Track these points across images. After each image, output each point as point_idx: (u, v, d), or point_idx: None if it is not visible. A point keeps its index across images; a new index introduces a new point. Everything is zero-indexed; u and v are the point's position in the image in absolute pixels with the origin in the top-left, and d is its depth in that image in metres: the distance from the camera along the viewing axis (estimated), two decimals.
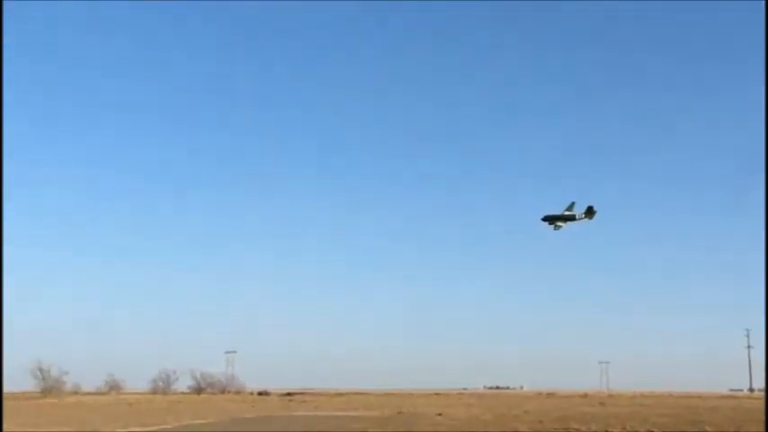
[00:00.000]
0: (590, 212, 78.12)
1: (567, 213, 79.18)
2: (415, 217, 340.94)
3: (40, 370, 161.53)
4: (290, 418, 77.21)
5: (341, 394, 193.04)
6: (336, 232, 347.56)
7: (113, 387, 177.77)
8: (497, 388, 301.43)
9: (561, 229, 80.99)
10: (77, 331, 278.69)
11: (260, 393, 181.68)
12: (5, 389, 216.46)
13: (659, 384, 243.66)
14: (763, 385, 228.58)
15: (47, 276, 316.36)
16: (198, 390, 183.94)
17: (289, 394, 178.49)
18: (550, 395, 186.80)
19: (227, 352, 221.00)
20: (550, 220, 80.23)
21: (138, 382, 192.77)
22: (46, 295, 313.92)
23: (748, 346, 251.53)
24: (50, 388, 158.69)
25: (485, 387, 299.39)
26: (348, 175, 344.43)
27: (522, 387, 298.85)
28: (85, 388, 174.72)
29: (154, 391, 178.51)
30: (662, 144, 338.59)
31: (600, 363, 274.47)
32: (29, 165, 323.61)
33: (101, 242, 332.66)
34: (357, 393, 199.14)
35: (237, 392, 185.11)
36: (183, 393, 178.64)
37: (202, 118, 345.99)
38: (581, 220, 79.09)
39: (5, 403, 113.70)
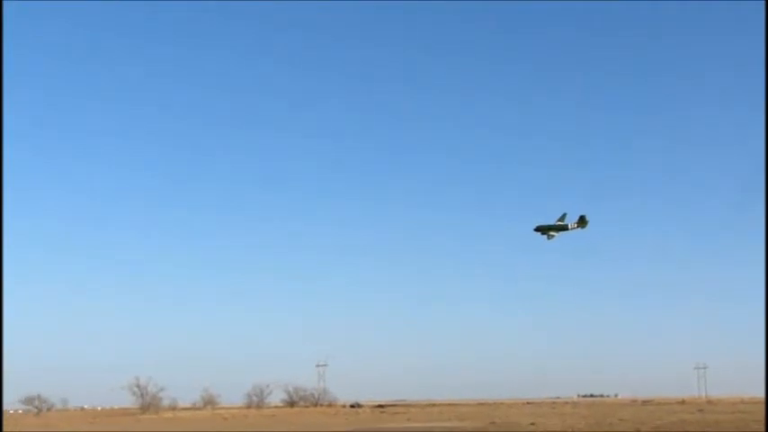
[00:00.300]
0: (582, 222, 79.44)
1: (558, 224, 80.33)
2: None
3: (138, 387, 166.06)
4: (384, 430, 77.35)
5: (433, 405, 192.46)
6: (423, 246, 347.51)
7: (209, 402, 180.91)
8: (591, 396, 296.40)
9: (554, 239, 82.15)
10: (174, 348, 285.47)
11: (352, 406, 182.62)
12: (106, 405, 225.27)
13: (761, 390, 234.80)
14: None
15: (145, 295, 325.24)
16: (291, 403, 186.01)
17: (380, 406, 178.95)
18: (646, 402, 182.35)
19: (319, 365, 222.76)
20: (543, 230, 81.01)
21: (232, 396, 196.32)
22: (143, 314, 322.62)
23: None
24: (148, 404, 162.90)
25: (578, 395, 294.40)
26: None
27: (616, 395, 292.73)
28: (182, 403, 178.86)
29: (248, 406, 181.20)
30: None
31: (696, 368, 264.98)
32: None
33: (196, 257, 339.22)
34: (449, 404, 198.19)
35: (330, 405, 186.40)
36: (276, 407, 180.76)
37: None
38: (573, 230, 79.73)
39: (107, 419, 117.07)
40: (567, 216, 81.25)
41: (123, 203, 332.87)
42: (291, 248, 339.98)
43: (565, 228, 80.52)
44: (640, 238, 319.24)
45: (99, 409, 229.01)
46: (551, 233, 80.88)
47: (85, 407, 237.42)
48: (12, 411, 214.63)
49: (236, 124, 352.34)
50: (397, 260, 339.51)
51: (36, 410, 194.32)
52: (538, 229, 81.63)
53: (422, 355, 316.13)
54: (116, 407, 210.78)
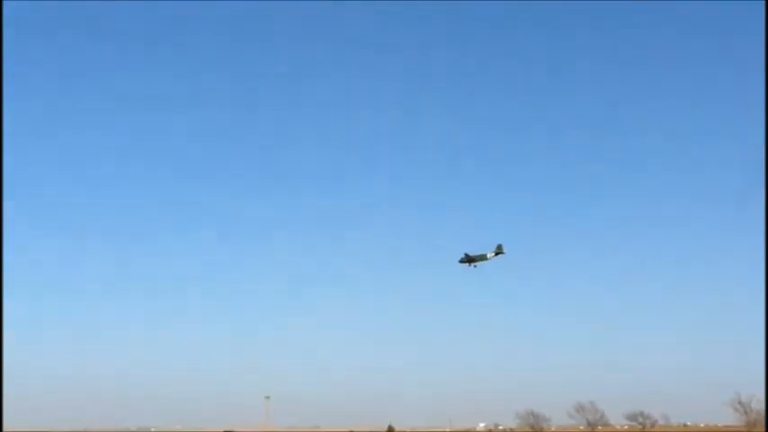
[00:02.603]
0: (499, 250, 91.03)
1: (479, 254, 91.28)
2: None
3: (740, 403, 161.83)
4: None
5: None
6: None
7: None
8: None
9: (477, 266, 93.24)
10: None
11: None
12: (710, 421, 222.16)
13: None
14: None
15: None
16: None
17: None
18: None
19: None
20: (468, 260, 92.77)
21: None
22: None
23: None
24: (753, 421, 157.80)
25: None
26: None
27: None
28: None
29: None
30: None
31: None
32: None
33: None
34: None
35: None
36: None
37: None
38: (491, 259, 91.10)
39: None
40: (504, 247, 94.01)
41: None
42: None
43: (484, 257, 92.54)
44: None
45: (702, 425, 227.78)
46: (474, 263, 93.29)
47: (688, 423, 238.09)
48: (618, 426, 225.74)
49: None
50: None
51: (640, 426, 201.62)
52: (462, 261, 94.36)
53: None
54: (719, 424, 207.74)
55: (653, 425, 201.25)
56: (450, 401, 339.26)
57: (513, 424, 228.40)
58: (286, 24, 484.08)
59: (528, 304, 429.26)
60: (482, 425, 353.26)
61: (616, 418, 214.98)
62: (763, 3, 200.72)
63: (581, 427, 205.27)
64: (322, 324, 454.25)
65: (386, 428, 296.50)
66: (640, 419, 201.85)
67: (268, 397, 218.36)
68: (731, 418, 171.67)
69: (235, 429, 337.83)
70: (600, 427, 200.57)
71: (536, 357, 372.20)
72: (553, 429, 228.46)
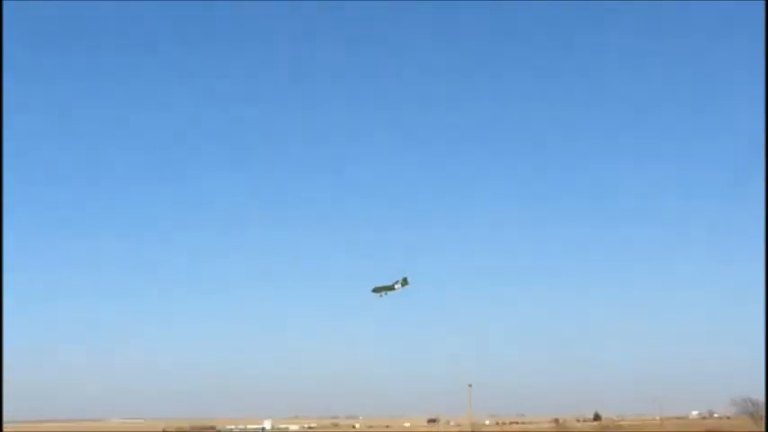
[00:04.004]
0: (405, 282, 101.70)
1: (387, 285, 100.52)
2: None
3: None
4: None
5: None
6: None
7: None
8: None
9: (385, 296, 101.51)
10: None
11: None
12: None
13: None
14: None
15: None
16: None
17: None
18: None
19: None
20: (378, 290, 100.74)
21: None
22: None
23: None
24: None
25: None
26: None
27: None
28: None
29: None
30: None
31: None
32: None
33: None
34: None
35: None
36: None
37: None
38: (398, 290, 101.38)
39: None
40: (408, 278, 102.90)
41: None
42: None
43: (392, 288, 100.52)
44: None
45: None
46: (383, 293, 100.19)
47: None
48: None
49: None
50: None
51: None
52: (374, 290, 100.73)
53: None
54: None
55: None
56: (659, 387, 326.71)
57: (729, 412, 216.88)
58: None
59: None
60: (695, 413, 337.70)
61: None
62: (764, 3, 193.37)
63: None
64: (520, 314, 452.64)
65: (592, 416, 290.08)
66: None
67: (470, 385, 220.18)
68: None
69: (439, 417, 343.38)
70: None
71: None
72: None
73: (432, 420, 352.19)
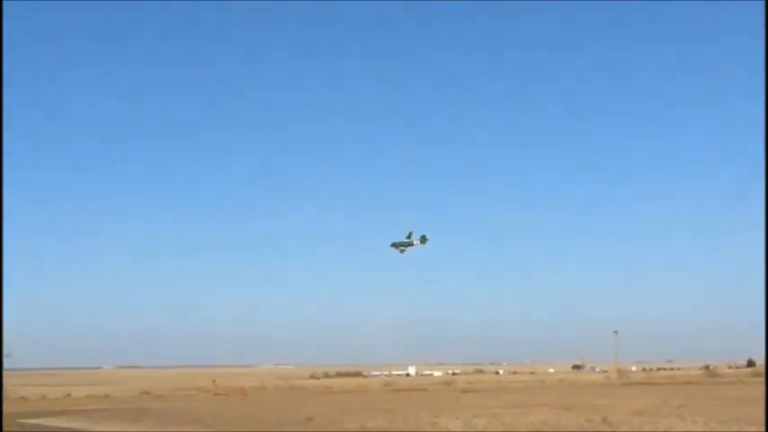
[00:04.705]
0: (423, 239, 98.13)
1: (407, 240, 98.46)
2: None
3: None
4: None
5: None
6: None
7: None
8: None
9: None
10: None
11: None
12: None
13: None
14: None
15: None
16: None
17: None
18: None
19: None
20: (396, 246, 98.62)
21: None
22: None
23: None
24: None
25: None
26: None
27: None
28: None
29: None
30: None
31: None
32: None
33: None
34: None
35: None
36: None
37: None
38: (417, 246, 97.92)
39: None
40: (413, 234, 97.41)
41: None
42: None
43: (411, 244, 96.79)
44: None
45: None
46: (402, 248, 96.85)
47: None
48: None
49: None
50: None
51: None
52: (393, 245, 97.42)
53: None
54: None
55: None
56: None
57: None
58: None
59: None
60: None
61: None
62: (764, 3, 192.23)
63: None
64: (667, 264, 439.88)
65: (745, 363, 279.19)
66: None
67: (616, 332, 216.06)
68: None
69: (584, 363, 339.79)
70: None
71: None
72: None
73: (576, 366, 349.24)
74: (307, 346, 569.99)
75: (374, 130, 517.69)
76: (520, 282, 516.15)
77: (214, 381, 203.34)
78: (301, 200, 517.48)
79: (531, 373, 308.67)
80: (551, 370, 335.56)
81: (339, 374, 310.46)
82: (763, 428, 40.18)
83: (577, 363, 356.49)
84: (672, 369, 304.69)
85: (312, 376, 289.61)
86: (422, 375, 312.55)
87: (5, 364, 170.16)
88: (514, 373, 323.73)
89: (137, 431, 56.32)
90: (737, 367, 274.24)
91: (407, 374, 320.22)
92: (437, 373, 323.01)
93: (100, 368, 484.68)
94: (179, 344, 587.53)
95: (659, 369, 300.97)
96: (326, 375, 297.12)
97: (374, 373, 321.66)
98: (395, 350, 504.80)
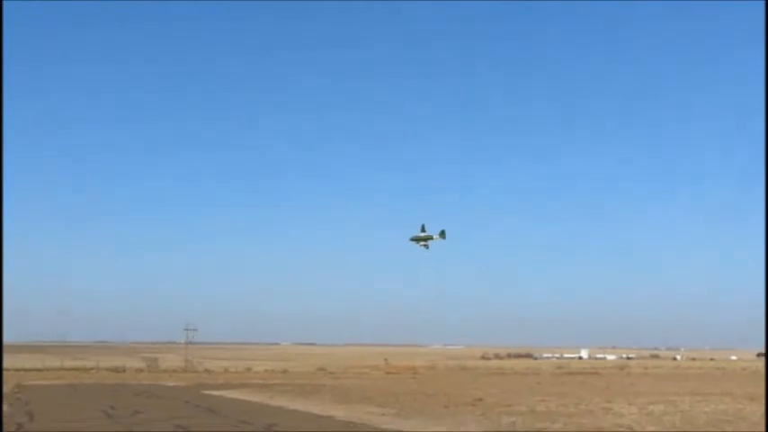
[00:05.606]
0: (442, 234, 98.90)
1: (425, 234, 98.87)
2: None
3: None
4: None
5: None
6: None
7: None
8: None
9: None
10: None
11: None
12: None
13: None
14: None
15: None
16: None
17: None
18: None
19: None
20: (416, 240, 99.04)
21: None
22: None
23: None
24: None
25: None
26: None
27: None
28: None
29: None
30: None
31: None
32: None
33: None
34: None
35: None
36: None
37: None
38: (436, 240, 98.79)
39: None
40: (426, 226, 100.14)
41: None
42: None
43: (431, 237, 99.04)
44: None
45: None
46: (422, 243, 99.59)
47: None
48: None
49: None
50: None
51: None
52: (413, 239, 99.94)
53: None
54: None
55: None
56: None
57: None
58: None
59: None
60: None
61: None
62: (764, 3, 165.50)
63: None
64: None
65: None
66: None
67: None
68: None
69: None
70: None
71: None
72: None
73: (762, 354, 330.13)
74: (477, 326, 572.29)
75: None
76: (708, 265, 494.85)
77: (386, 359, 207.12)
78: None
79: (711, 359, 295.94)
80: (734, 357, 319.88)
81: (510, 356, 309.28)
82: (763, 429, 37.22)
83: (761, 352, 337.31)
84: None
85: (483, 357, 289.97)
86: (595, 359, 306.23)
87: (192, 338, 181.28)
88: (693, 359, 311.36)
89: (302, 410, 58.15)
90: None
91: (580, 357, 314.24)
92: (611, 357, 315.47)
93: (277, 344, 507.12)
94: (352, 323, 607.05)
95: None
96: (497, 357, 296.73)
97: (545, 355, 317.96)
98: (568, 333, 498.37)
